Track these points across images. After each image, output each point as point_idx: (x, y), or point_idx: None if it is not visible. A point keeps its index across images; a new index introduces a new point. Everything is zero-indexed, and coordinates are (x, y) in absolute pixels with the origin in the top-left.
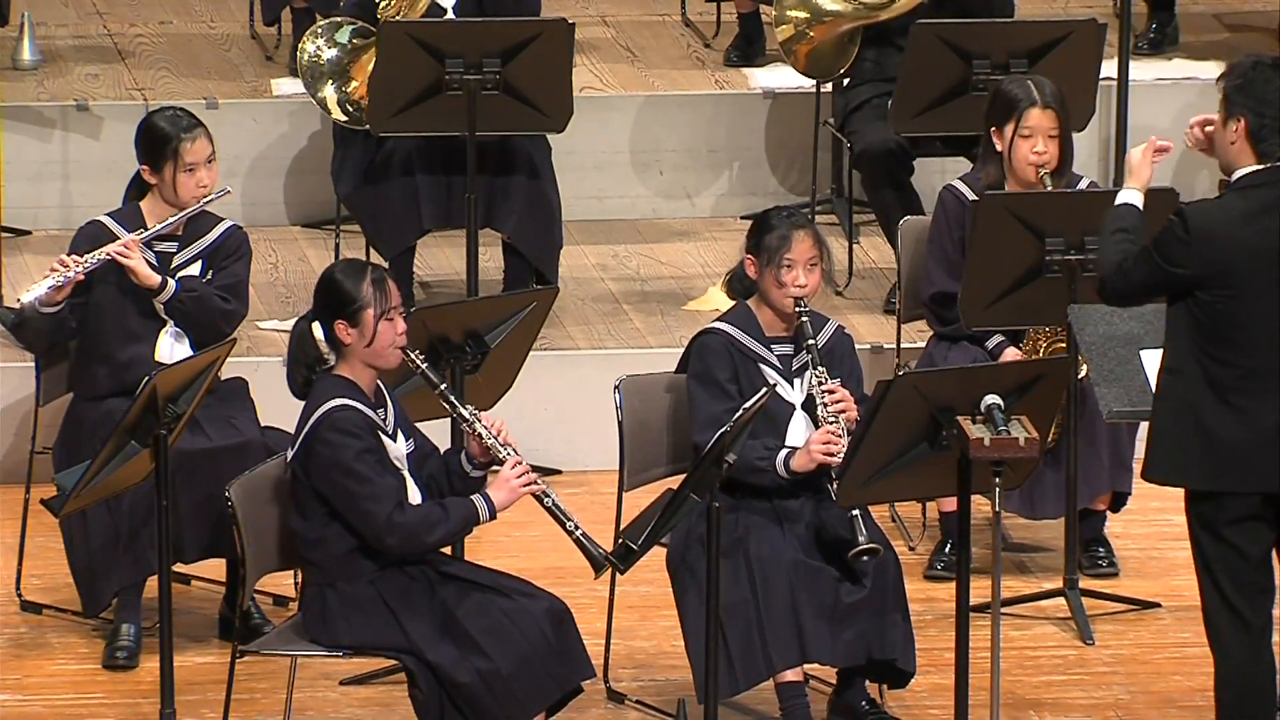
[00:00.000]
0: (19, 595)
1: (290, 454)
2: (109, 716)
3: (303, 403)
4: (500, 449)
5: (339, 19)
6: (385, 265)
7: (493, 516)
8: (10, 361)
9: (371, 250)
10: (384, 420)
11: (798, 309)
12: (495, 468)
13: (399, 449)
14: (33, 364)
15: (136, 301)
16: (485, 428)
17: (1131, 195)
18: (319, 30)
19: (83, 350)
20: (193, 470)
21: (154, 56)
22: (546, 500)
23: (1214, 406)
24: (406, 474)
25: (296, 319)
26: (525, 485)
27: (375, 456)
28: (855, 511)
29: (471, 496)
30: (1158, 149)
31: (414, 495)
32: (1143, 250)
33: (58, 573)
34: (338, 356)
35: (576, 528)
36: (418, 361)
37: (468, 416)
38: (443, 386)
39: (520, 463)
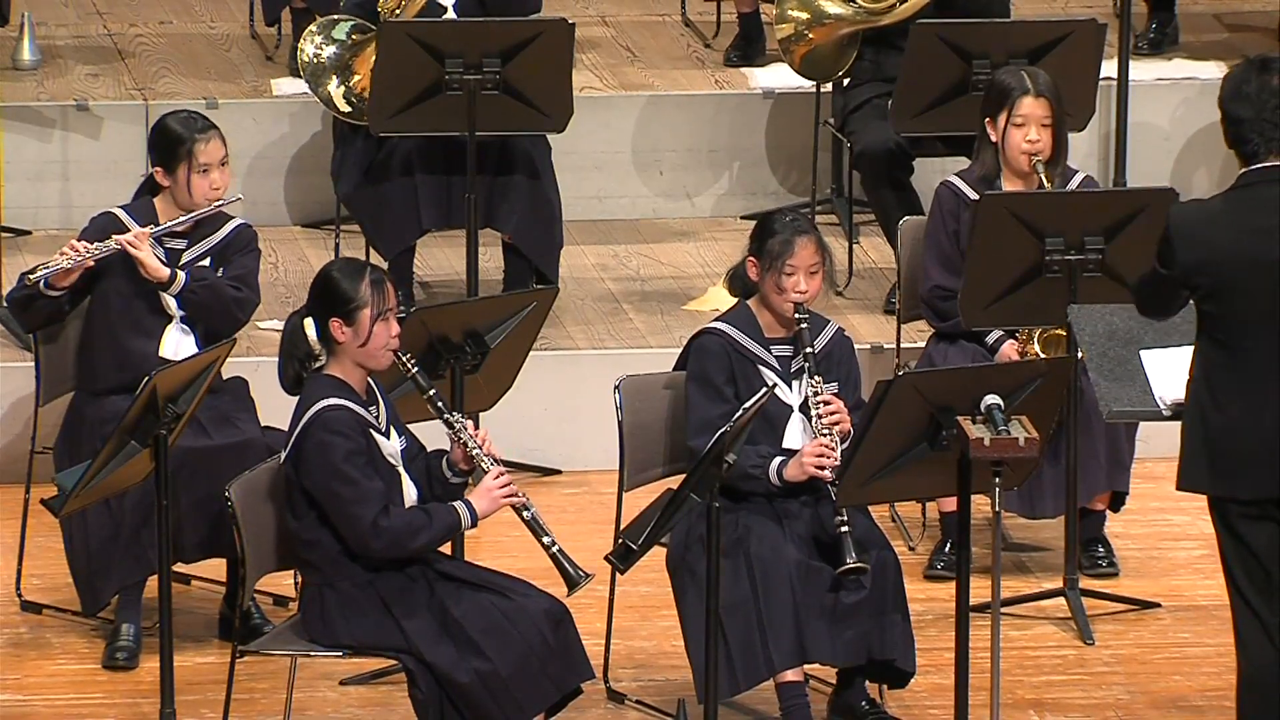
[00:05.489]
0: (19, 595)
1: (284, 455)
2: (109, 716)
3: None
4: (483, 459)
5: (334, 17)
6: (384, 266)
7: (474, 524)
8: (10, 361)
9: (371, 250)
10: (376, 418)
11: (798, 314)
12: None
13: (392, 446)
14: (32, 364)
15: (145, 296)
16: (471, 436)
17: None
18: (314, 30)
19: (87, 343)
20: (193, 469)
21: (154, 56)
22: (526, 514)
23: (1216, 411)
24: (401, 470)
25: (290, 314)
26: (506, 496)
27: (364, 458)
28: (844, 529)
29: (454, 503)
30: None
31: (410, 492)
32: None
33: (58, 573)
34: (329, 354)
35: (553, 543)
36: (408, 365)
37: (455, 423)
38: (431, 392)
39: (502, 473)
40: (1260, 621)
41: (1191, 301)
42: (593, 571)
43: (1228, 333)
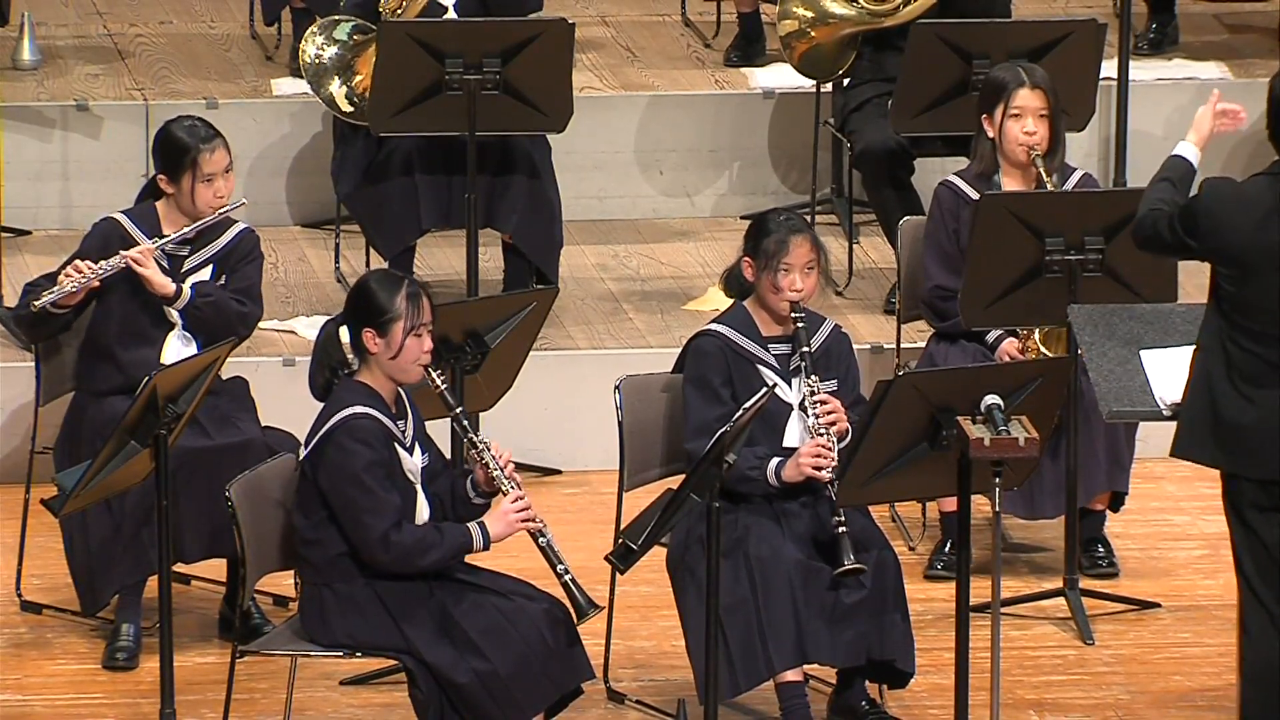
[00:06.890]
0: (19, 595)
1: (303, 452)
2: (109, 716)
3: (310, 403)
4: (504, 481)
5: (335, 17)
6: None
7: (486, 547)
8: (10, 361)
9: (371, 250)
10: (403, 432)
11: (794, 313)
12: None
13: (414, 462)
14: (33, 364)
15: (148, 307)
16: (493, 457)
17: (1186, 148)
18: (316, 30)
19: (89, 349)
20: (193, 470)
21: (154, 56)
22: (541, 540)
23: (1228, 389)
24: (419, 488)
25: (325, 320)
26: (523, 521)
27: (384, 470)
28: (842, 529)
29: (469, 524)
30: (1225, 111)
31: (423, 510)
32: (1177, 210)
33: (58, 573)
34: (361, 364)
35: (566, 571)
36: (438, 382)
37: (478, 443)
38: (458, 410)
39: (522, 497)
40: (1268, 613)
41: (1207, 289)
42: (602, 605)
43: (1247, 314)
